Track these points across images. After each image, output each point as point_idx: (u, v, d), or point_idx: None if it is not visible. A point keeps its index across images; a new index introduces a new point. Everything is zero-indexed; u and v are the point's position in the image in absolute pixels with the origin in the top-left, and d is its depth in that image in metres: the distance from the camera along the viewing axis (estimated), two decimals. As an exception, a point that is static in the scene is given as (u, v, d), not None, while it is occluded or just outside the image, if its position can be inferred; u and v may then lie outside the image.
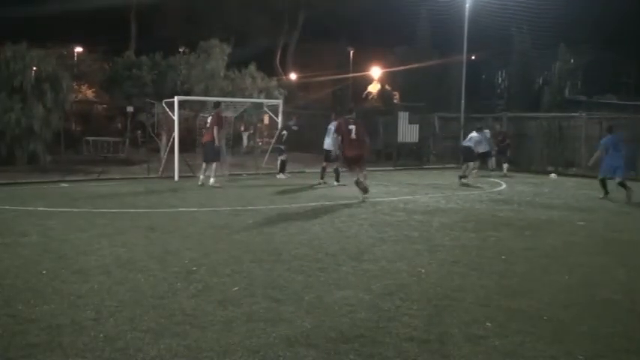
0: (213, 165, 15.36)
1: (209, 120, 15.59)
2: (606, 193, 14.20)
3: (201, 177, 15.50)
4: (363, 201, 12.62)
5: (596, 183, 14.53)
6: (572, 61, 34.84)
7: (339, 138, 13.10)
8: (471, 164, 17.87)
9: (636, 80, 38.45)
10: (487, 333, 4.80)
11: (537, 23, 32.50)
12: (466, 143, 18.41)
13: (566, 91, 35.04)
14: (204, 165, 15.65)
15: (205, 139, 15.50)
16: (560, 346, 4.56)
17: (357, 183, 12.77)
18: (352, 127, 12.87)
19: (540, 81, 36.48)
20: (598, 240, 9.05)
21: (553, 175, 20.41)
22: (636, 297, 5.93)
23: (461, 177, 17.43)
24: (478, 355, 4.36)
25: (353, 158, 12.94)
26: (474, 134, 18.44)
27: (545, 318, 5.21)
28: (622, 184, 13.78)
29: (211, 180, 15.20)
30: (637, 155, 21.06)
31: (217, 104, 16.20)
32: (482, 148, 18.93)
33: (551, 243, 8.69)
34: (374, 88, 38.57)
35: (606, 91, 33.06)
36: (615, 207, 13.03)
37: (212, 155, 15.34)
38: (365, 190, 12.74)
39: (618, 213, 12.19)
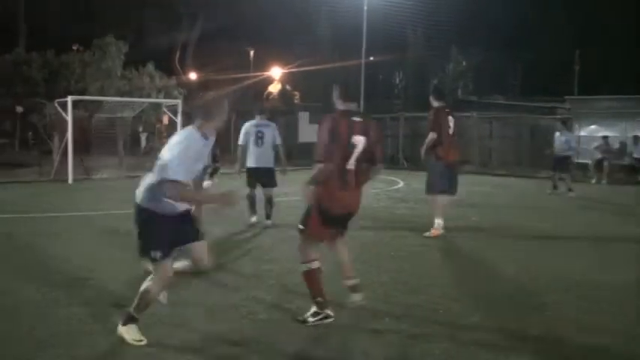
0: None
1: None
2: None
3: None
4: None
5: (486, 180, 15.20)
6: (463, 63, 36.30)
7: None
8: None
9: (521, 82, 40.48)
10: (385, 328, 4.94)
11: (431, 26, 33.68)
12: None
13: (459, 92, 36.45)
14: None
15: None
16: (454, 338, 4.75)
17: None
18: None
19: (435, 82, 37.73)
20: (485, 236, 9.48)
21: None
22: (519, 289, 6.27)
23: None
24: (377, 350, 4.47)
25: None
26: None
27: (440, 311, 5.42)
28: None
29: None
30: (523, 152, 22.25)
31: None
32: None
33: (443, 239, 9.02)
34: (274, 88, 38.62)
35: (494, 92, 34.64)
36: (498, 202, 13.72)
37: None
38: None
39: (506, 207, 12.83)
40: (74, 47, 30.36)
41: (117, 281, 6.20)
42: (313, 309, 5.07)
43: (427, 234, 9.09)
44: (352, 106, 5.33)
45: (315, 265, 5.13)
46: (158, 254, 4.35)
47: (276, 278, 6.46)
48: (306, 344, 4.56)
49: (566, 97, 25.46)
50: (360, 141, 5.04)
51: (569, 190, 15.17)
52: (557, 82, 34.19)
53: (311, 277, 5.12)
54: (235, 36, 40.21)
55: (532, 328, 5.02)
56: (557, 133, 16.15)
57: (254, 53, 43.06)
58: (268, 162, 9.76)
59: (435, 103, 9.39)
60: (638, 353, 4.58)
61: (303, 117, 26.01)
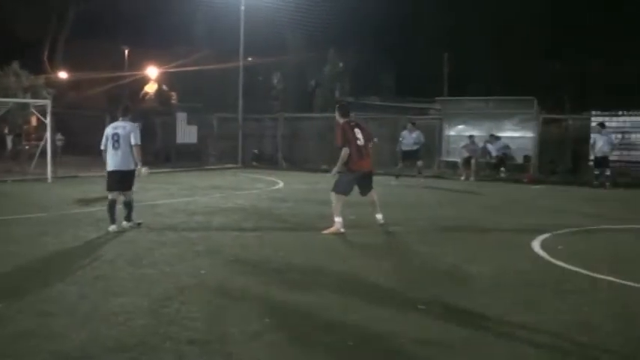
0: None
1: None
2: None
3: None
4: None
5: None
6: (340, 64, 37.07)
7: None
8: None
9: (397, 83, 41.80)
10: (265, 329, 4.96)
11: (310, 28, 34.13)
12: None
13: (337, 93, 37.18)
14: None
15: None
16: (333, 335, 4.85)
17: None
18: None
19: (313, 83, 38.28)
20: (364, 232, 9.73)
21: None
22: (399, 283, 6.51)
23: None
24: (257, 351, 4.49)
25: None
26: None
27: (321, 309, 5.51)
28: None
29: None
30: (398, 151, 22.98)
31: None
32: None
33: (324, 237, 9.19)
34: (151, 88, 37.70)
35: (371, 93, 35.60)
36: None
37: None
38: None
39: (383, 204, 13.20)
40: None
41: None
42: None
43: (326, 232, 9.27)
44: None
45: None
46: None
47: (153, 282, 6.32)
48: (185, 349, 4.50)
49: (437, 97, 26.59)
50: None
51: (419, 172, 18.75)
52: (429, 83, 35.64)
53: None
54: (110, 34, 38.75)
55: (409, 322, 5.21)
56: (406, 132, 18.96)
57: (129, 52, 41.78)
58: (127, 164, 9.41)
59: (341, 120, 9.89)
60: (515, 340, 4.84)
61: (181, 118, 25.60)
